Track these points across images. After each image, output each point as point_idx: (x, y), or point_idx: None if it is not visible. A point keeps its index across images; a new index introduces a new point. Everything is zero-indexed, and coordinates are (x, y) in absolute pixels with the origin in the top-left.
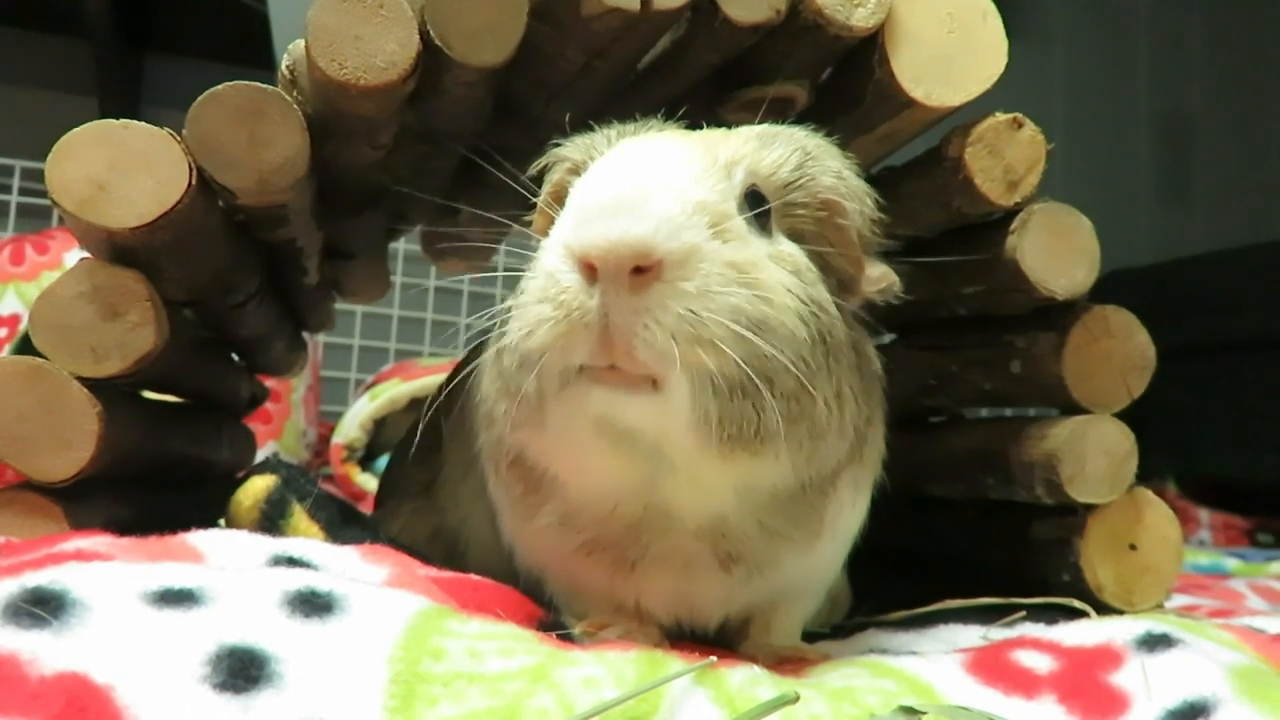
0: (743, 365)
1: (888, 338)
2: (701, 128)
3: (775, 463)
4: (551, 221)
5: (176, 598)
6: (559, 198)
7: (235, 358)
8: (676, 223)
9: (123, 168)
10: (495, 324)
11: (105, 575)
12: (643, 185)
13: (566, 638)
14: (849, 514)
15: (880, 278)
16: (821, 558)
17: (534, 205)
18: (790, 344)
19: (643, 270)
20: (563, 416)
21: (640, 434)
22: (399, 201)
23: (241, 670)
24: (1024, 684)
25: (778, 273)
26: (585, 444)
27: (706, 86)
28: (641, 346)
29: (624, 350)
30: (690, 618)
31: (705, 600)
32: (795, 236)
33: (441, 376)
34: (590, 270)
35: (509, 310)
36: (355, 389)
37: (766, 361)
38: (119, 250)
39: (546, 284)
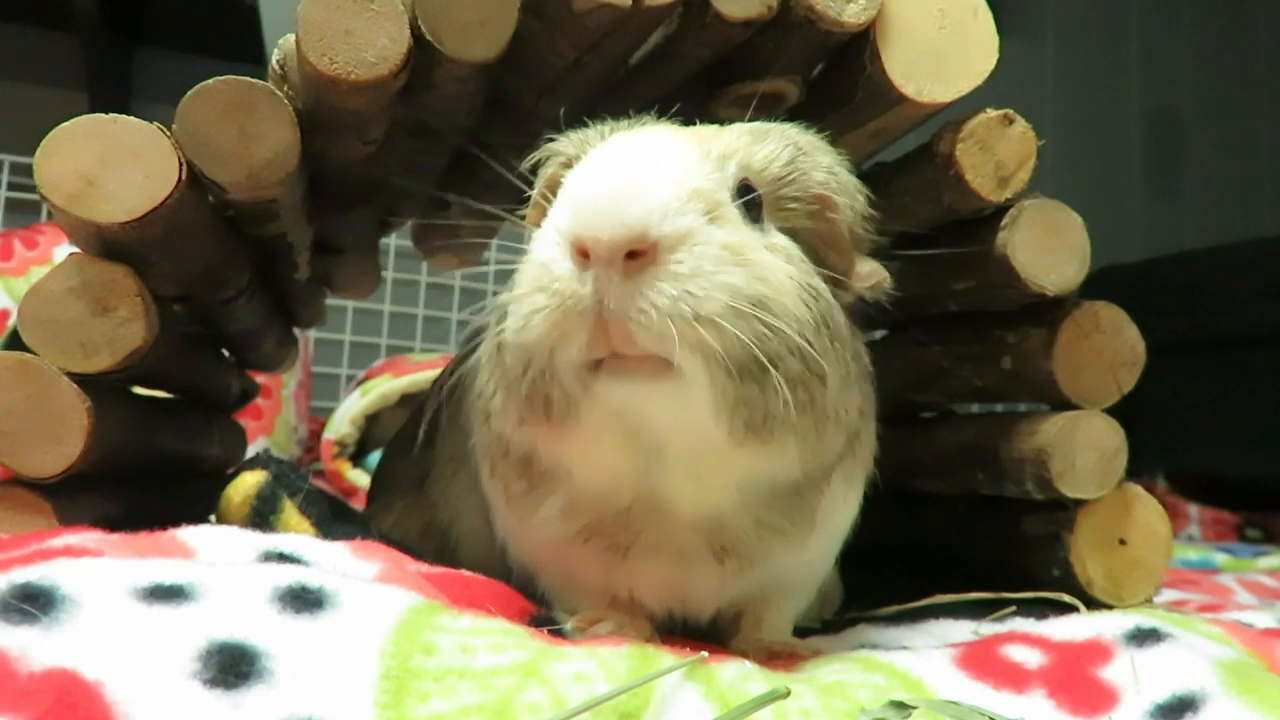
0: (746, 343)
1: (879, 333)
2: (694, 124)
3: (783, 453)
4: (545, 215)
5: (166, 593)
6: (553, 191)
7: (225, 353)
8: (671, 207)
9: (112, 162)
10: (490, 319)
11: (95, 571)
12: (637, 173)
13: (558, 633)
14: (841, 509)
15: (870, 274)
16: (813, 553)
17: (527, 200)
18: (794, 323)
19: (637, 255)
20: (592, 418)
21: (653, 424)
22: (390, 197)
23: (232, 666)
24: (1014, 678)
25: (773, 258)
26: (600, 436)
27: (698, 82)
28: (639, 330)
29: (621, 335)
30: (682, 609)
31: (698, 591)
32: (787, 232)
33: (433, 372)
34: (583, 256)
35: (504, 306)
36: (346, 384)
37: (770, 341)
38: (108, 245)
39: (540, 273)
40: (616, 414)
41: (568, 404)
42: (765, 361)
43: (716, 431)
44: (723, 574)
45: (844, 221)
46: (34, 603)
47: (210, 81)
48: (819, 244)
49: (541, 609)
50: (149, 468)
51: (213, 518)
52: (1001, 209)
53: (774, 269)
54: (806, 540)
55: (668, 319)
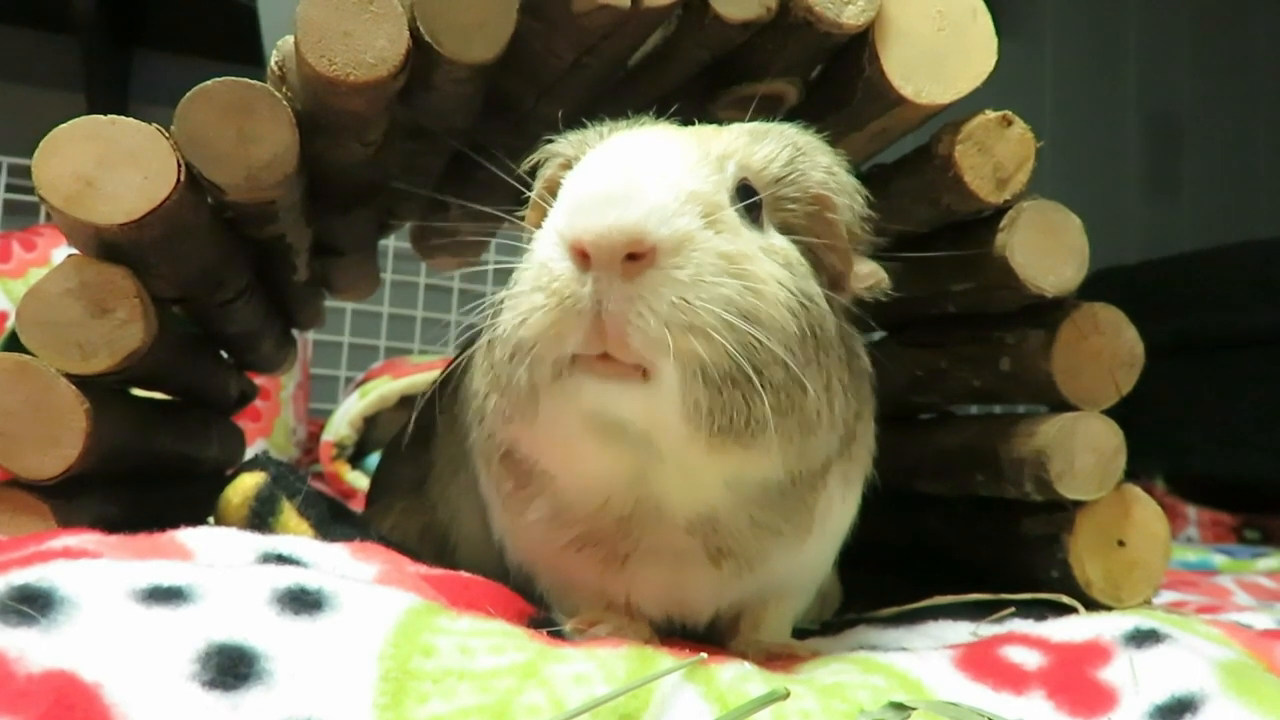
0: (734, 355)
1: (878, 335)
2: (693, 125)
3: (766, 455)
4: (545, 215)
5: (165, 595)
6: (552, 193)
7: (224, 355)
8: (669, 210)
9: (111, 164)
10: (486, 319)
11: (93, 573)
12: (636, 175)
13: (557, 634)
14: (839, 510)
15: (869, 275)
16: (811, 554)
17: (525, 201)
18: (780, 336)
19: (636, 257)
20: (554, 409)
21: (630, 426)
22: (389, 198)
23: (231, 668)
24: (1013, 680)
25: (769, 265)
26: (576, 438)
27: (697, 84)
28: (634, 334)
29: (616, 338)
30: (680, 613)
31: (696, 595)
32: (786, 231)
33: (432, 374)
34: (583, 257)
35: (500, 303)
36: (345, 386)
37: (757, 352)
38: (107, 247)
39: (539, 273)
40: (589, 413)
41: (533, 391)
42: (748, 371)
43: (685, 432)
44: (720, 577)
45: (843, 222)
46: (33, 604)
47: (209, 83)
48: (817, 244)
49: (540, 610)
50: (147, 469)
51: (211, 519)
52: (1000, 210)
53: (768, 279)
54: (804, 541)
55: (664, 326)
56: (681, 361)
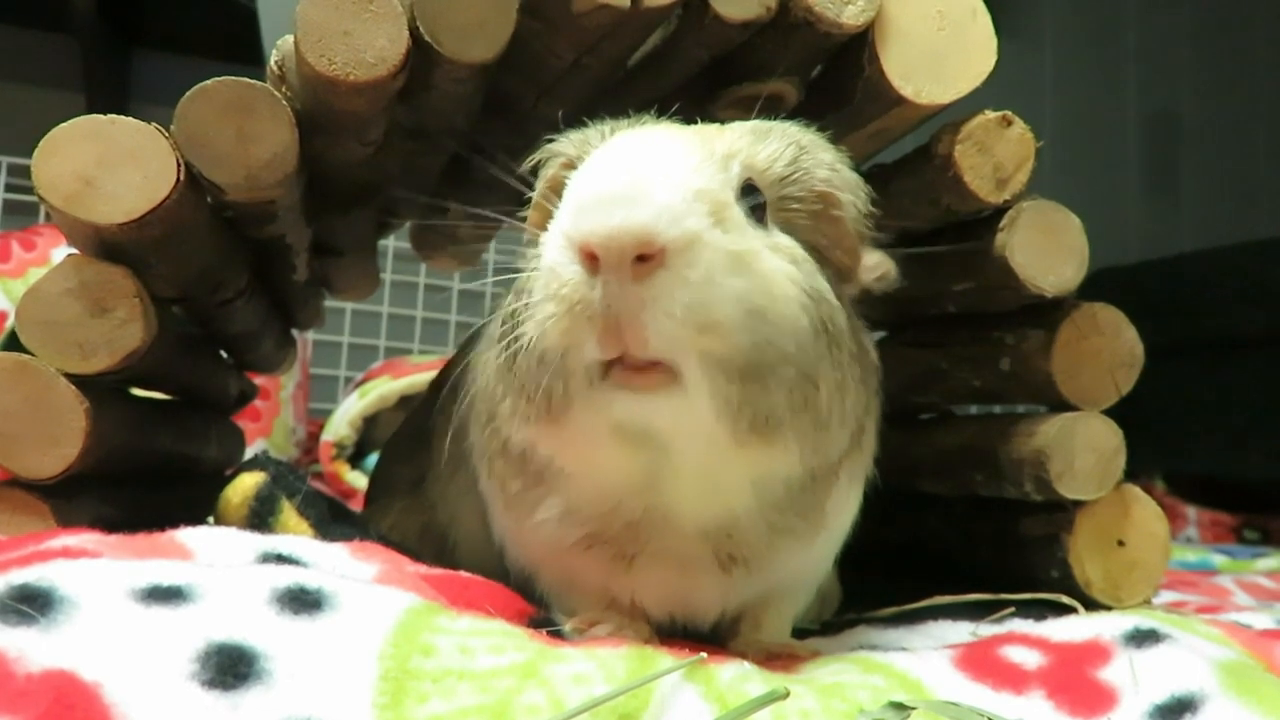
0: (749, 352)
1: (878, 335)
2: (694, 124)
3: (785, 452)
4: (547, 215)
5: (165, 595)
6: (555, 192)
7: (224, 355)
8: (677, 210)
9: (110, 163)
10: (488, 320)
11: (93, 572)
12: (642, 174)
13: (557, 634)
14: (846, 507)
15: (877, 266)
16: (818, 551)
17: (527, 201)
18: (793, 332)
19: (645, 259)
20: (586, 417)
21: (657, 434)
22: (389, 198)
23: (230, 667)
24: (1013, 679)
25: (777, 262)
26: (603, 443)
27: (697, 84)
28: (652, 336)
29: (635, 339)
30: (685, 615)
31: (702, 599)
32: (790, 231)
33: (431, 374)
34: (592, 260)
35: (515, 309)
36: (345, 386)
37: (770, 348)
38: (107, 246)
39: (549, 279)
40: (619, 422)
41: (567, 399)
42: (765, 366)
43: (719, 433)
44: (728, 582)
45: (848, 217)
46: (32, 604)
47: (209, 82)
48: (823, 241)
49: (540, 610)
50: (147, 469)
51: (211, 519)
52: (1000, 210)
53: (777, 276)
54: (816, 537)
55: (679, 326)
56: (704, 360)
